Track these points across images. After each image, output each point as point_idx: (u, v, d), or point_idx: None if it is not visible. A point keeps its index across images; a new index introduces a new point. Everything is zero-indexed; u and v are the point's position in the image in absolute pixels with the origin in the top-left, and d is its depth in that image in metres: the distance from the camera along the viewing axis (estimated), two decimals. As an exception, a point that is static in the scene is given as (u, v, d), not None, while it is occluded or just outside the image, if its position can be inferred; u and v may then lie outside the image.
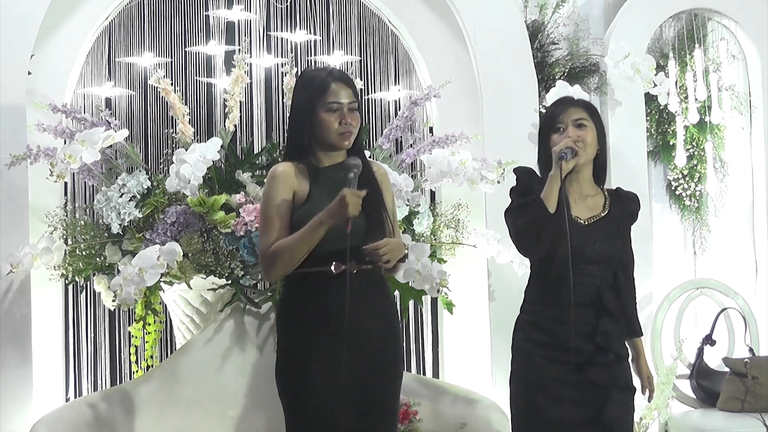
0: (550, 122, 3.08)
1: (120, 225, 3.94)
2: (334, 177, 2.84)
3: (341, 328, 2.69)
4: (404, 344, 4.61)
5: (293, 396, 2.81)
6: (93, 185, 4.29)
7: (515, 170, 3.18)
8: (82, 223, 4.07)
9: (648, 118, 4.96)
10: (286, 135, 2.97)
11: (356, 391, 2.77)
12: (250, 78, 4.50)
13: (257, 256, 3.83)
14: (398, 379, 2.91)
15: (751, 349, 4.67)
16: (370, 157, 4.05)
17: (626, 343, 3.10)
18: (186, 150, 3.83)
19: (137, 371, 4.15)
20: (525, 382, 3.03)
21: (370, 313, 2.81)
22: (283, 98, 4.42)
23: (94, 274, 4.11)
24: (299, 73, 3.14)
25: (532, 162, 4.51)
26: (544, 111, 4.56)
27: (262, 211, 2.83)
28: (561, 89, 4.40)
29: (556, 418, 2.93)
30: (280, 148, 4.07)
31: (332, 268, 2.75)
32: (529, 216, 2.97)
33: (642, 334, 3.16)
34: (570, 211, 2.96)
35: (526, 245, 3.06)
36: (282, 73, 4.45)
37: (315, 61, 4.67)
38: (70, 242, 4.08)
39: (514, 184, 3.14)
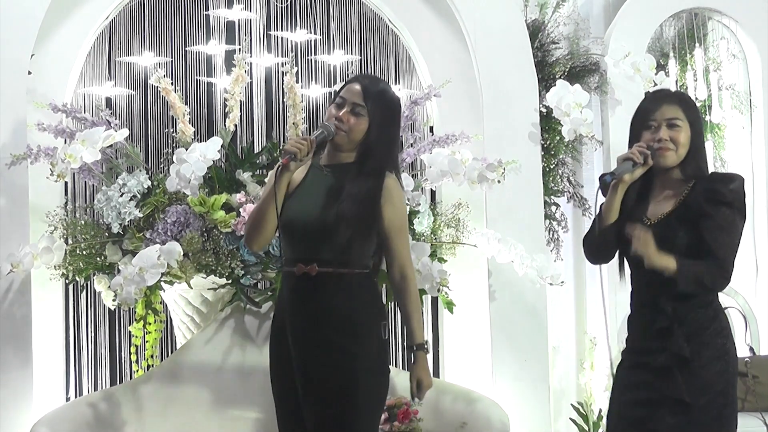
0: (642, 118, 2.89)
1: (120, 224, 3.94)
2: (329, 175, 2.86)
3: (298, 332, 2.81)
4: (404, 344, 4.63)
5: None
6: (93, 185, 4.29)
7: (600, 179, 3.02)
8: (83, 222, 4.07)
9: (648, 117, 4.96)
10: None
11: (299, 386, 2.81)
12: (251, 77, 4.50)
13: (258, 255, 3.83)
14: (337, 386, 2.76)
15: (751, 349, 4.67)
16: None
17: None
18: (186, 149, 3.83)
19: (137, 371, 4.15)
20: (615, 381, 2.97)
21: (318, 313, 2.80)
22: (283, 98, 4.41)
23: (94, 274, 4.11)
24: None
25: (531, 161, 4.54)
26: (544, 110, 4.57)
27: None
28: (561, 89, 4.40)
29: (632, 417, 2.82)
30: (281, 147, 4.07)
31: (295, 269, 2.80)
32: (589, 230, 2.99)
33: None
34: (641, 214, 2.86)
35: (586, 256, 3.08)
36: (282, 72, 4.45)
37: (315, 61, 4.67)
38: (70, 242, 4.08)
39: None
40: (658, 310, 2.80)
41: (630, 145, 2.90)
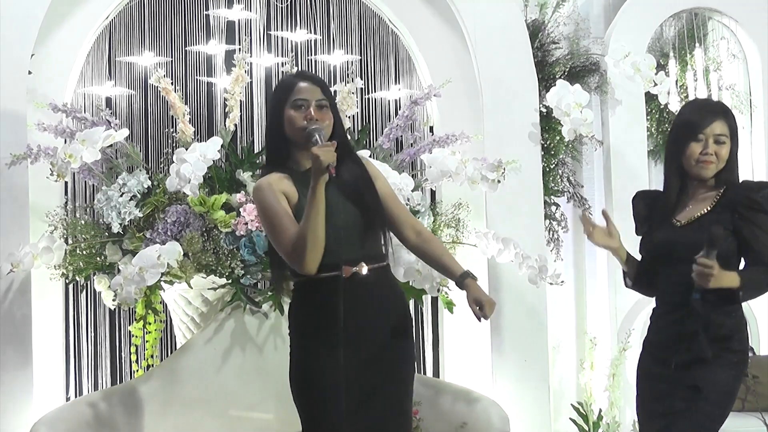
0: (691, 130, 2.96)
1: (120, 224, 3.94)
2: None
3: (345, 327, 2.70)
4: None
5: (306, 401, 2.78)
6: (93, 185, 4.29)
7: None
8: (83, 222, 4.07)
9: (648, 117, 4.96)
10: (266, 141, 2.92)
11: (366, 393, 2.75)
12: (251, 77, 4.50)
13: (258, 255, 3.83)
14: (409, 378, 2.87)
15: (751, 348, 4.63)
16: (370, 156, 4.07)
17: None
18: (186, 149, 3.83)
19: (138, 370, 4.15)
20: (637, 378, 3.07)
21: (380, 312, 2.79)
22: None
23: (94, 274, 4.11)
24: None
25: (531, 161, 4.54)
26: (544, 110, 4.57)
27: (269, 217, 2.76)
28: (561, 89, 4.40)
29: (655, 411, 2.95)
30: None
31: (342, 272, 2.72)
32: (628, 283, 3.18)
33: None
34: (672, 216, 2.99)
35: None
36: (282, 72, 4.45)
37: (315, 61, 4.68)
38: (70, 241, 4.08)
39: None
40: (688, 313, 2.88)
41: (672, 154, 3.01)
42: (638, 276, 3.12)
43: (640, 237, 3.14)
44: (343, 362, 2.71)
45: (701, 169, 2.95)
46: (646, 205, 3.13)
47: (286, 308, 3.53)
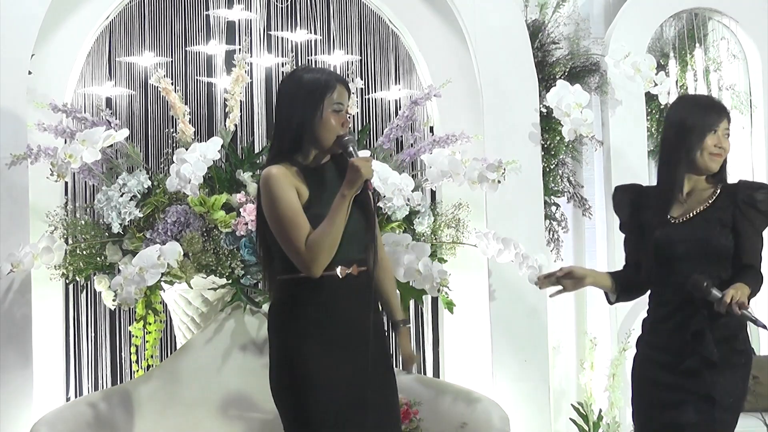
0: (707, 123, 2.96)
1: (120, 224, 3.94)
2: (327, 176, 2.83)
3: (359, 330, 2.77)
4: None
5: (298, 399, 2.77)
6: (93, 185, 4.29)
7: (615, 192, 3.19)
8: (83, 222, 4.07)
9: (648, 117, 4.96)
10: (277, 131, 2.87)
11: (375, 391, 2.79)
12: (251, 77, 4.49)
13: (258, 255, 3.82)
14: (393, 373, 2.94)
15: (752, 349, 4.66)
16: (370, 156, 4.07)
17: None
18: (186, 149, 3.83)
19: (138, 371, 4.15)
20: (637, 382, 3.04)
21: (367, 312, 2.82)
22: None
23: (94, 274, 4.11)
24: (290, 71, 3.10)
25: (531, 161, 4.54)
26: (544, 110, 4.56)
27: (282, 209, 2.73)
28: (561, 89, 4.40)
29: (663, 421, 2.92)
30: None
31: (338, 272, 2.76)
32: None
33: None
34: (665, 214, 2.97)
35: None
36: (282, 72, 4.45)
37: (315, 61, 4.67)
38: (70, 242, 4.08)
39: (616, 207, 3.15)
40: (693, 314, 2.87)
41: (690, 145, 2.95)
42: (627, 283, 3.08)
43: (624, 233, 3.11)
44: (339, 361, 2.75)
45: (713, 162, 2.96)
46: (631, 201, 3.09)
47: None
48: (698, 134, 2.95)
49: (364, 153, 2.79)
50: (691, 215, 2.96)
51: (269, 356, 2.85)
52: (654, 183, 3.18)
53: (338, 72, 4.63)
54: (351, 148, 2.77)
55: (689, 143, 2.95)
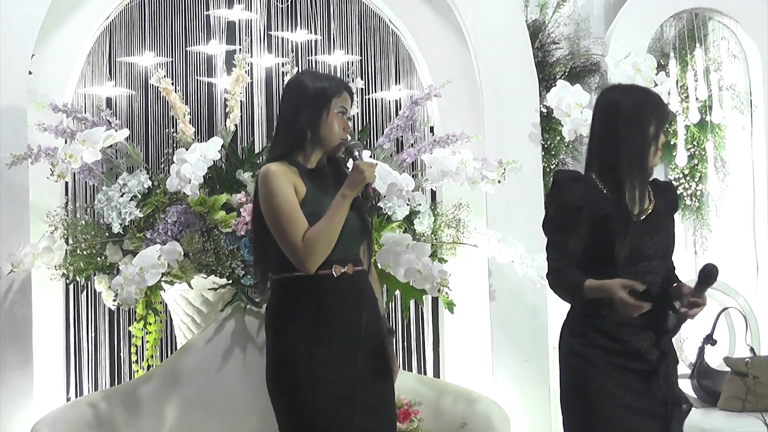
0: (666, 117, 2.90)
1: (121, 224, 3.94)
2: (325, 178, 2.90)
3: (352, 329, 2.79)
4: (405, 344, 4.66)
5: (296, 399, 2.78)
6: (94, 185, 4.29)
7: (556, 174, 2.91)
8: (83, 222, 4.08)
9: (649, 117, 4.95)
10: (280, 131, 2.90)
11: (366, 391, 2.80)
12: (251, 77, 4.50)
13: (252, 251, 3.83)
14: (390, 372, 2.96)
15: (752, 349, 4.67)
16: (370, 156, 4.08)
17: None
18: (187, 149, 3.83)
19: (138, 371, 4.15)
20: (586, 389, 2.98)
21: (363, 310, 2.84)
22: (284, 98, 4.41)
23: (94, 274, 4.11)
24: (298, 72, 3.14)
25: (532, 161, 4.53)
26: (544, 111, 4.56)
27: (280, 204, 2.76)
28: (562, 89, 4.39)
29: (627, 428, 2.82)
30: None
31: (333, 271, 2.79)
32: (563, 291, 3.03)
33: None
34: (630, 210, 2.81)
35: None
36: (283, 72, 4.45)
37: (315, 61, 4.68)
38: (70, 242, 4.08)
39: (553, 189, 2.87)
40: (659, 312, 2.80)
41: (645, 142, 2.80)
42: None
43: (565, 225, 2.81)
44: (334, 360, 2.77)
45: (658, 158, 2.88)
46: (582, 194, 2.80)
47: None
48: (656, 131, 2.84)
49: (370, 161, 2.86)
50: (648, 211, 2.85)
51: (266, 356, 2.87)
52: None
53: (338, 72, 4.66)
54: (357, 153, 2.87)
55: (652, 138, 2.84)
